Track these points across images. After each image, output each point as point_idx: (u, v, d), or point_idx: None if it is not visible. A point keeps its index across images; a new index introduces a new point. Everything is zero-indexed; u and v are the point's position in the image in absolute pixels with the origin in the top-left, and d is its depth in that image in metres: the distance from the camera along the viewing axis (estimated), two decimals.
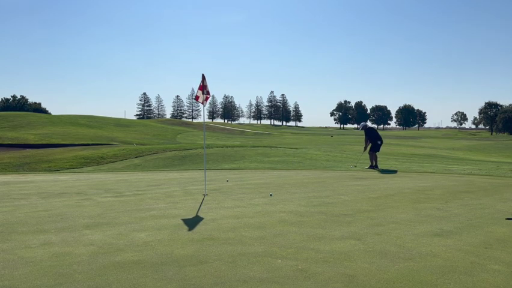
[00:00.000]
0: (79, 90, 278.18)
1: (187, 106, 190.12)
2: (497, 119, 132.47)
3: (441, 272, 3.89)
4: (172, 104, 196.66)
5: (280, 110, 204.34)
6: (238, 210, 6.73)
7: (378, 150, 15.70)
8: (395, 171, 14.20)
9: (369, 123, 16.65)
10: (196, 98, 8.40)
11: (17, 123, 58.97)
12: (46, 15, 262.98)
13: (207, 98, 8.45)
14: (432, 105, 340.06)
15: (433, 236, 5.17)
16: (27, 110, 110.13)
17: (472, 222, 5.98)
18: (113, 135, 53.36)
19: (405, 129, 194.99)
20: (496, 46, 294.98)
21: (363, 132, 16.51)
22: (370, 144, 15.86)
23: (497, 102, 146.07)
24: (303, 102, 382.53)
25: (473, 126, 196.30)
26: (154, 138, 57.06)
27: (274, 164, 17.72)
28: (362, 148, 16.90)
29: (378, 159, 15.85)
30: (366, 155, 16.46)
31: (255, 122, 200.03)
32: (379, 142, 15.76)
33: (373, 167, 15.21)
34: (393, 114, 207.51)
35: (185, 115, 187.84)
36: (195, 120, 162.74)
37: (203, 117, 9.35)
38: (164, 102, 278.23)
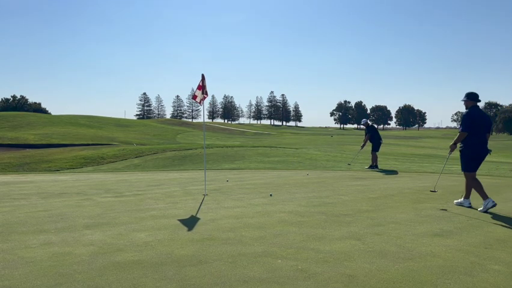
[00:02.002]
0: (79, 90, 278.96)
1: (187, 106, 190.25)
2: (497, 119, 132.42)
3: (441, 272, 3.89)
4: (172, 104, 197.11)
5: (280, 110, 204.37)
6: (238, 210, 6.73)
7: (378, 150, 15.69)
8: (395, 171, 14.20)
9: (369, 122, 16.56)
10: (194, 97, 8.40)
11: (17, 123, 58.98)
12: (46, 15, 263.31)
13: (204, 98, 8.46)
14: (432, 105, 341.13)
15: (433, 236, 5.17)
16: (27, 110, 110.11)
17: (472, 222, 5.99)
18: (113, 135, 53.36)
19: (405, 129, 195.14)
20: (496, 46, 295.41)
21: (364, 130, 16.41)
22: (370, 144, 15.76)
23: (497, 102, 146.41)
24: (303, 102, 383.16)
25: None
26: (154, 138, 57.05)
27: (274, 164, 17.72)
28: (359, 147, 16.80)
29: (378, 159, 15.82)
30: (365, 155, 16.37)
31: (255, 122, 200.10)
32: (381, 141, 15.72)
33: (373, 166, 15.18)
34: (393, 114, 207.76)
35: (185, 115, 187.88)
36: (194, 120, 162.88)
37: (203, 117, 9.35)
38: (164, 102, 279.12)
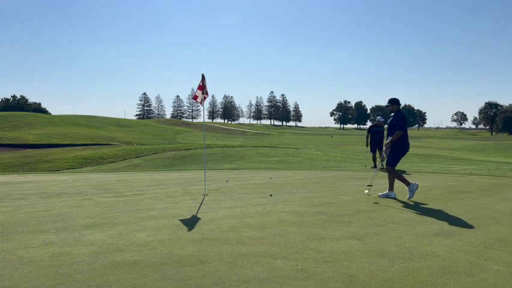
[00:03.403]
0: (79, 90, 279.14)
1: (187, 106, 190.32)
2: (497, 119, 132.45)
3: (441, 272, 3.89)
4: (172, 104, 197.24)
5: (280, 110, 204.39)
6: (238, 210, 6.73)
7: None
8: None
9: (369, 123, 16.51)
10: (195, 97, 8.40)
11: (17, 123, 58.95)
12: (46, 16, 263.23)
13: (204, 98, 8.46)
14: (432, 105, 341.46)
15: (433, 236, 5.17)
16: (27, 110, 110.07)
17: (472, 222, 5.98)
18: (113, 135, 53.34)
19: None
20: (496, 46, 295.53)
21: (367, 130, 15.99)
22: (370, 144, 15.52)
23: (497, 102, 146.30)
24: (303, 102, 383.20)
25: (473, 126, 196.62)
26: (154, 138, 57.05)
27: (274, 164, 17.72)
28: (367, 148, 16.01)
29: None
30: (370, 155, 16.16)
31: (255, 122, 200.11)
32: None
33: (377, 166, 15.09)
34: None
35: (185, 115, 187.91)
36: (194, 120, 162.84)
37: (203, 117, 9.36)
38: (164, 102, 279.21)
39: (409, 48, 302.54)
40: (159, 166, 19.85)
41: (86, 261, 4.11)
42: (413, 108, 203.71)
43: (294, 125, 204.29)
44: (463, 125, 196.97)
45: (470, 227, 5.68)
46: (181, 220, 5.95)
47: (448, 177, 12.28)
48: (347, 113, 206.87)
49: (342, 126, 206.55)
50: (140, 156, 23.60)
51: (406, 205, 7.28)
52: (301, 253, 4.40)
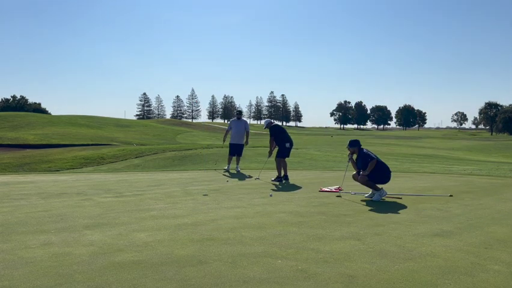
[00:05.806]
0: (79, 91, 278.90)
1: (187, 106, 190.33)
2: (497, 119, 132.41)
3: (441, 272, 3.89)
4: (172, 104, 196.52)
5: (280, 110, 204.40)
6: (238, 210, 6.73)
7: (287, 156, 11.97)
8: (394, 171, 14.18)
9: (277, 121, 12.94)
10: None
11: (17, 123, 58.93)
12: (46, 16, 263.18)
13: None
14: (432, 105, 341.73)
15: (433, 236, 5.17)
16: (27, 110, 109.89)
17: (472, 222, 5.98)
18: (113, 135, 53.33)
19: (406, 129, 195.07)
20: (495, 46, 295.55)
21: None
22: (276, 148, 12.16)
23: (497, 103, 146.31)
24: (303, 102, 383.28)
25: (473, 127, 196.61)
26: (154, 139, 57.03)
27: (274, 164, 17.67)
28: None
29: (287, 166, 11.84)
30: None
31: (255, 122, 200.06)
32: (288, 145, 12.10)
33: (280, 178, 11.26)
34: (393, 114, 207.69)
35: (185, 115, 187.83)
36: (194, 121, 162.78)
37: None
38: (164, 103, 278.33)
39: (409, 48, 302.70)
40: (159, 166, 19.84)
41: (86, 261, 4.11)
42: (413, 108, 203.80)
43: (294, 125, 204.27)
44: (463, 125, 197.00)
45: (470, 227, 5.68)
46: (181, 220, 5.95)
47: (448, 177, 12.28)
48: (347, 113, 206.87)
49: (342, 126, 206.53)
50: (140, 157, 23.58)
51: (406, 205, 7.28)
52: (301, 253, 4.40)
